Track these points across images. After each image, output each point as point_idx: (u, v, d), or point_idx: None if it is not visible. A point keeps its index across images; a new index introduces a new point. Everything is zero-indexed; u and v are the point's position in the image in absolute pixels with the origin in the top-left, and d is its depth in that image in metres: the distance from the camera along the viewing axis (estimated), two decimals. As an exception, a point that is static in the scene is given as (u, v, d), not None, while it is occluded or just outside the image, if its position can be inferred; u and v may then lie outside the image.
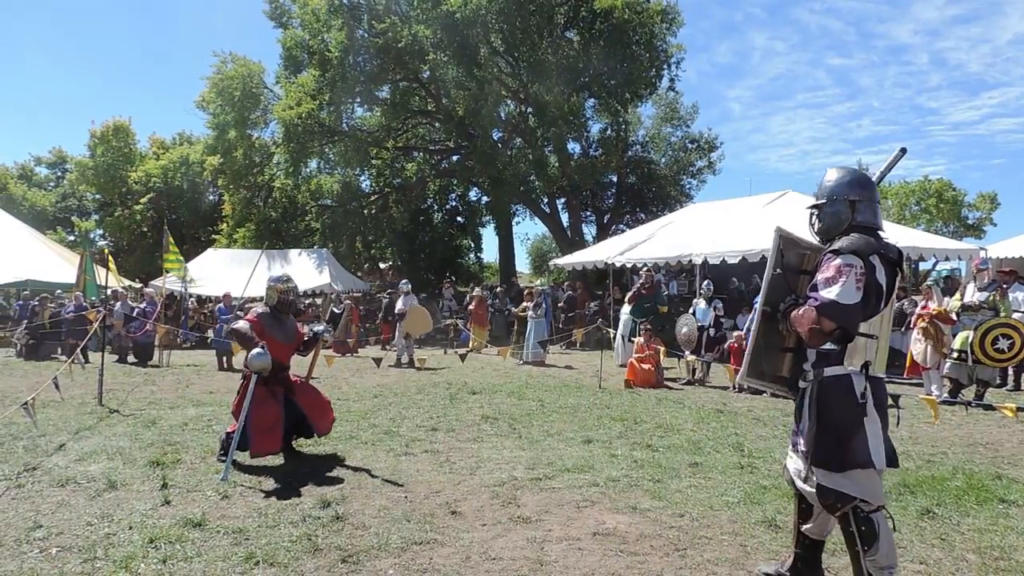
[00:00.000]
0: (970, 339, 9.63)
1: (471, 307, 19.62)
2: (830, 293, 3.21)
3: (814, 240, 3.77)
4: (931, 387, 10.17)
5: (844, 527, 3.36)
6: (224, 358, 15.10)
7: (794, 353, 3.63)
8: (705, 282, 13.82)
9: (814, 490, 3.43)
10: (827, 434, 3.34)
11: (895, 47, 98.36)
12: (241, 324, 6.49)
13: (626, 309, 15.00)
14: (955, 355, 9.99)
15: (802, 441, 3.47)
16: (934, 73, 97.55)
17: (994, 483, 5.80)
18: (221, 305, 16.87)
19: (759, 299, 3.76)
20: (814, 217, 3.72)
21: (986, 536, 4.57)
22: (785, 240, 3.72)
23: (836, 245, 3.37)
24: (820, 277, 3.30)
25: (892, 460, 3.34)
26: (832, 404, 3.34)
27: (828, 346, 3.33)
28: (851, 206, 3.52)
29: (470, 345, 18.65)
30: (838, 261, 3.26)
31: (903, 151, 3.70)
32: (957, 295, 10.69)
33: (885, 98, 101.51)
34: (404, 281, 17.17)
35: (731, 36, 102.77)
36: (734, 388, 11.61)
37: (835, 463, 3.31)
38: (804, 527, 3.70)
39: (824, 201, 3.61)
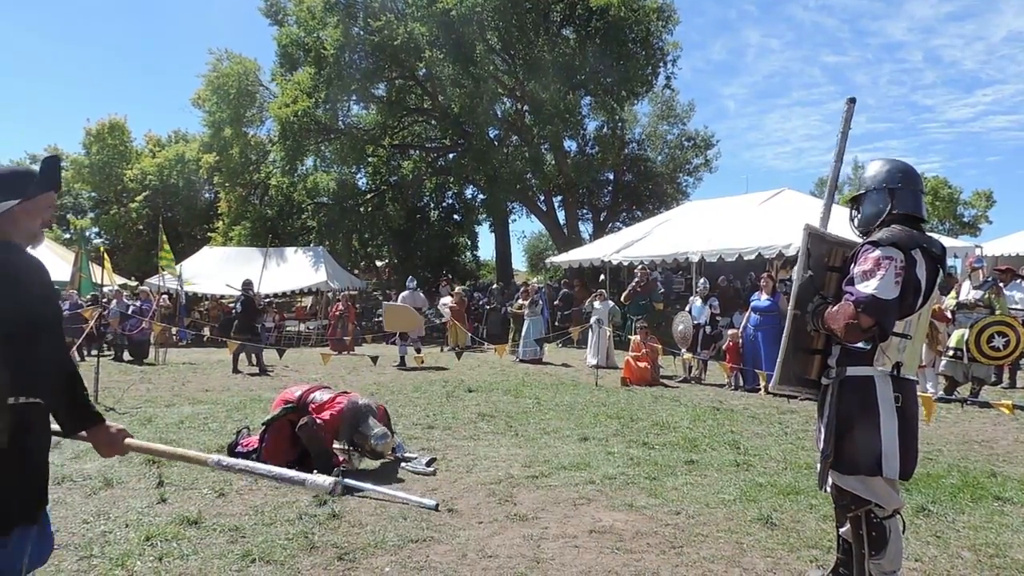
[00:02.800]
0: (966, 337, 9.66)
1: (450, 305, 19.58)
2: (868, 287, 3.05)
3: (856, 235, 3.60)
4: (927, 385, 10.20)
5: (855, 528, 3.29)
6: (255, 357, 14.43)
7: (822, 355, 3.48)
8: (701, 280, 13.83)
9: (831, 490, 3.38)
10: (841, 435, 3.24)
11: (889, 44, 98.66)
12: (309, 429, 5.94)
13: (598, 305, 14.91)
14: (951, 353, 10.02)
15: (821, 440, 3.38)
16: (928, 70, 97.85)
17: (989, 481, 5.81)
18: None
19: (790, 304, 3.56)
20: (853, 211, 3.57)
21: (981, 533, 4.58)
22: (813, 237, 3.55)
23: (875, 236, 3.21)
24: (857, 270, 3.15)
25: (908, 471, 3.20)
26: (848, 405, 3.24)
27: (859, 345, 3.20)
28: (890, 195, 3.36)
29: (449, 343, 18.62)
30: (877, 253, 3.11)
31: (851, 100, 3.66)
32: (953, 293, 10.72)
33: (880, 95, 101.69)
34: (410, 278, 17.05)
35: (725, 33, 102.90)
36: (730, 386, 11.63)
37: (845, 465, 3.24)
38: (842, 530, 3.56)
39: (863, 192, 3.49)
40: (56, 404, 2.69)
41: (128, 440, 2.88)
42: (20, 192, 2.60)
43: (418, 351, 15.21)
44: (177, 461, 2.62)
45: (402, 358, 14.99)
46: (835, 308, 3.19)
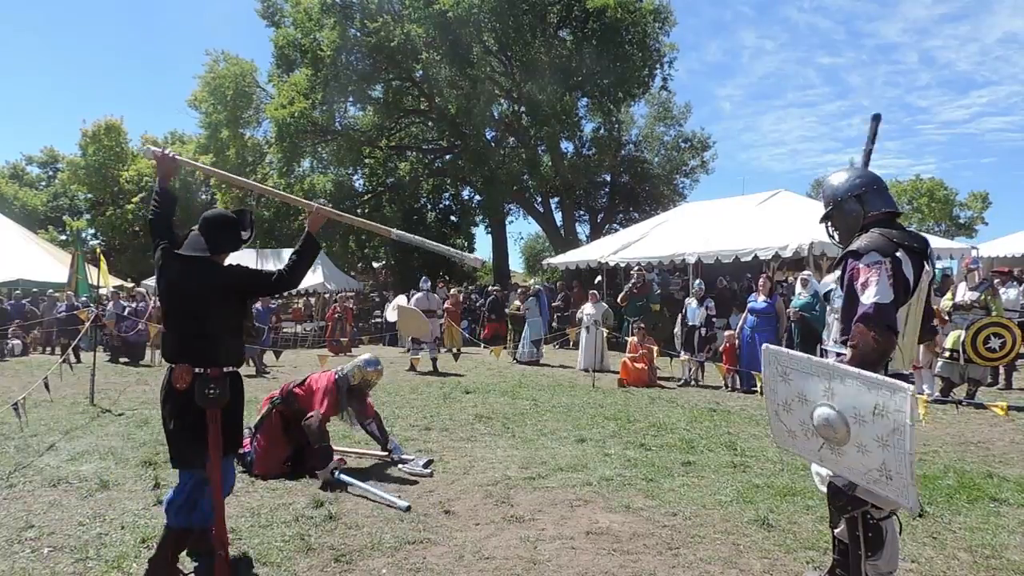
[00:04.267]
0: (962, 338, 9.68)
1: (446, 306, 19.50)
2: (868, 297, 3.06)
3: (839, 249, 3.59)
4: (922, 386, 10.21)
5: (851, 529, 3.27)
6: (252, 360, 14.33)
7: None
8: (697, 281, 13.82)
9: (827, 491, 3.36)
10: None
11: (884, 46, 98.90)
12: (315, 423, 5.88)
13: (590, 310, 14.64)
14: (947, 354, 10.03)
15: None
16: (923, 72, 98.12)
17: (985, 482, 5.82)
18: (258, 306, 16.49)
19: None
20: (830, 227, 3.61)
21: (977, 534, 4.59)
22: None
23: (854, 246, 3.24)
24: (857, 287, 3.14)
25: None
26: None
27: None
28: (859, 200, 3.42)
29: (446, 345, 18.52)
30: (862, 263, 3.13)
31: (876, 117, 3.65)
32: (949, 294, 10.73)
33: (875, 97, 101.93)
34: (424, 279, 16.61)
35: (721, 34, 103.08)
36: (726, 387, 11.64)
37: None
38: (836, 531, 3.58)
39: (832, 207, 3.52)
40: (300, 261, 4.17)
41: (320, 209, 4.42)
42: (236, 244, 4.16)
43: (455, 353, 15.00)
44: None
45: (433, 360, 14.48)
46: (855, 344, 3.07)
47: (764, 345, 3.36)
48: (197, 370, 3.74)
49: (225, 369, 3.83)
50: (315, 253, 4.21)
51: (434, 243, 5.07)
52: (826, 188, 3.58)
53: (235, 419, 3.95)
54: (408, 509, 5.02)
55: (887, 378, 2.85)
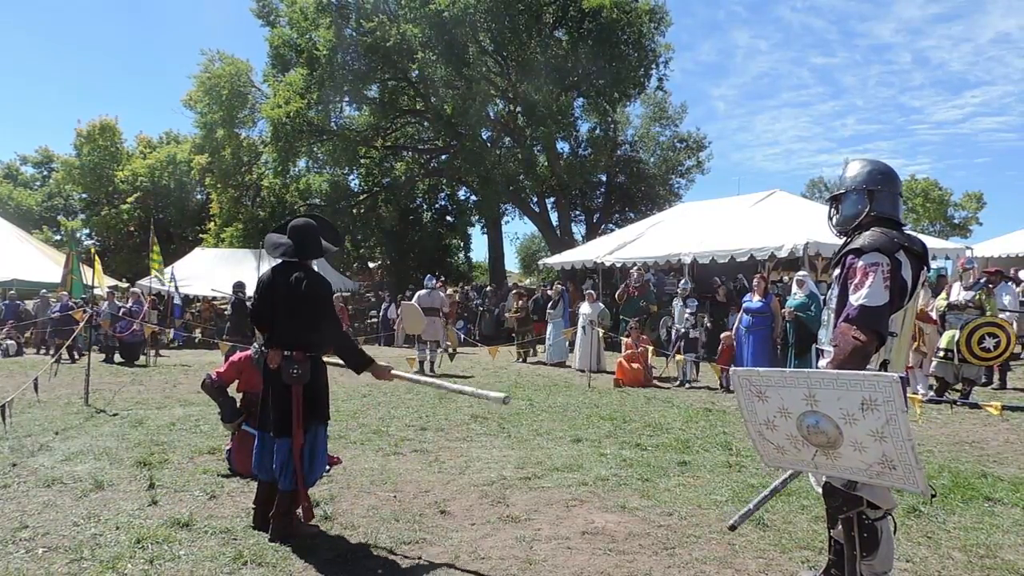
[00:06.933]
0: (956, 338, 9.70)
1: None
2: (857, 299, 3.06)
3: (833, 234, 3.63)
4: (917, 386, 10.23)
5: (846, 530, 3.26)
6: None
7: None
8: (683, 281, 13.82)
9: (822, 492, 3.35)
10: None
11: (877, 46, 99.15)
12: (205, 379, 6.09)
13: (586, 309, 14.45)
14: (942, 354, 10.05)
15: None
16: (917, 72, 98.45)
17: (980, 481, 5.83)
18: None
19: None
20: (832, 209, 3.58)
21: (972, 534, 4.60)
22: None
23: (856, 244, 3.21)
24: (851, 286, 3.14)
25: None
26: None
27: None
28: (869, 196, 3.37)
29: (442, 346, 18.40)
30: (861, 263, 3.12)
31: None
32: (943, 294, 10.75)
33: (868, 97, 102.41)
34: (428, 276, 16.21)
35: (714, 34, 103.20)
36: (722, 387, 11.64)
37: None
38: (833, 532, 3.56)
39: (843, 191, 3.49)
40: (342, 357, 4.75)
41: (394, 371, 4.86)
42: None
43: (450, 352, 14.84)
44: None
45: (431, 363, 14.17)
46: (836, 344, 3.13)
47: (732, 369, 3.34)
48: (285, 353, 4.48)
49: (308, 354, 4.54)
50: (355, 365, 4.78)
51: (453, 385, 5.15)
52: (846, 173, 3.53)
53: (318, 394, 4.61)
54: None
55: (869, 372, 2.87)
